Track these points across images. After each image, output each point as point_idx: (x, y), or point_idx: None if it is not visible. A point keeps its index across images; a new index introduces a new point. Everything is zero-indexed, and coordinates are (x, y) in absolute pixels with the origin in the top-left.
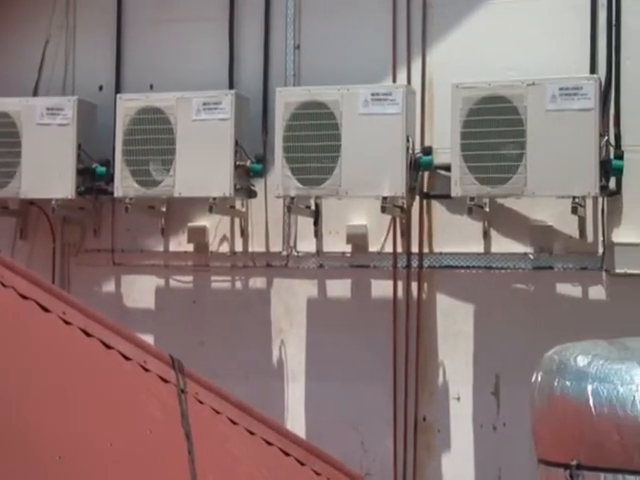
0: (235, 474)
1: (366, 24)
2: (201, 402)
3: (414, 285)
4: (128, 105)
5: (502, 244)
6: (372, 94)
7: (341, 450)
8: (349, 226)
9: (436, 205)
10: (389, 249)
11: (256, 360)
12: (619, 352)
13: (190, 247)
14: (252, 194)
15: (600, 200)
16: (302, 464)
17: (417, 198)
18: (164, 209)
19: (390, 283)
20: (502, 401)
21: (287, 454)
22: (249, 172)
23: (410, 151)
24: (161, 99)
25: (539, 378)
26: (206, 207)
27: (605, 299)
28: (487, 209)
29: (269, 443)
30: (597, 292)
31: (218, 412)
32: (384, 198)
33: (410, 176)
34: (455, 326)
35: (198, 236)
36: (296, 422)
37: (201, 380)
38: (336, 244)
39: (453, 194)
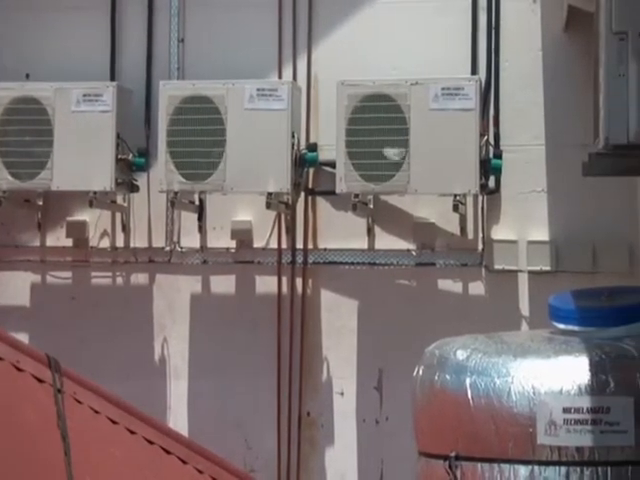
0: (114, 475)
1: (252, 19)
2: (79, 402)
3: (299, 281)
4: (1, 94)
5: (386, 241)
6: (257, 89)
7: (224, 447)
8: (234, 222)
9: (321, 201)
10: (274, 245)
11: (138, 358)
12: (496, 346)
13: (69, 242)
14: (134, 188)
15: (480, 198)
16: (184, 462)
17: (302, 194)
18: (41, 202)
19: (275, 279)
20: (385, 395)
21: (169, 453)
22: (131, 166)
23: (295, 147)
24: (38, 89)
25: (420, 372)
26: (86, 201)
27: (484, 294)
28: (371, 206)
29: (150, 442)
30: (477, 288)
31: (97, 412)
32: (269, 194)
33: (295, 172)
34: (339, 321)
35: (77, 231)
36: (179, 420)
37: (79, 379)
38: (220, 240)
39: (338, 191)
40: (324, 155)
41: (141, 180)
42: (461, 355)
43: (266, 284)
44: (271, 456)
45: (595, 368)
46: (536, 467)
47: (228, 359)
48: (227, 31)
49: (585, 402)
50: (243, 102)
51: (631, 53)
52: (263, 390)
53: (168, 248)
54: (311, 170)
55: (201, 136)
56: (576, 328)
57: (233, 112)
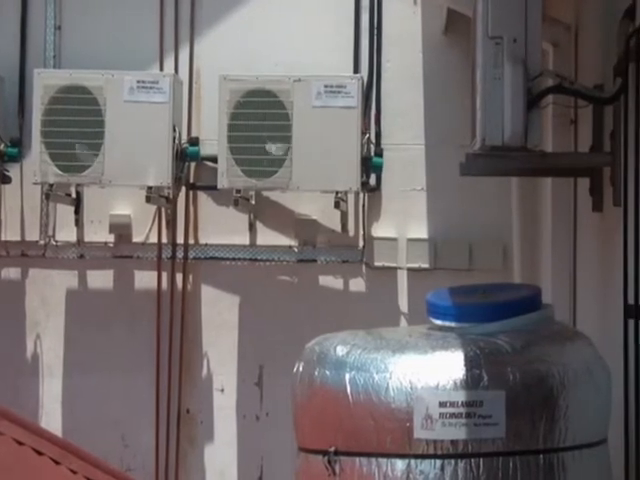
0: None
1: (134, 10)
2: None
3: (179, 276)
4: None
5: (267, 237)
6: (138, 81)
7: (100, 446)
8: (112, 215)
9: (202, 196)
10: (154, 240)
11: (8, 355)
12: (375, 342)
13: None
14: (6, 179)
15: (361, 196)
16: (57, 463)
17: (183, 189)
18: None
19: (154, 274)
20: (265, 391)
21: (40, 453)
22: (3, 156)
23: (176, 141)
24: None
25: (300, 368)
26: None
27: (365, 291)
28: (253, 202)
29: (20, 443)
30: (357, 284)
31: None
32: (149, 188)
33: (176, 166)
34: (220, 317)
35: None
36: (52, 419)
37: None
38: (98, 234)
39: (219, 186)
40: (206, 150)
41: (14, 171)
42: (341, 351)
43: (145, 279)
44: (149, 454)
45: (470, 363)
46: (412, 461)
47: (105, 356)
48: (107, 20)
49: (460, 396)
50: (123, 94)
51: (506, 57)
52: (141, 387)
53: (42, 242)
54: (192, 164)
55: (78, 127)
56: (453, 324)
57: (112, 104)
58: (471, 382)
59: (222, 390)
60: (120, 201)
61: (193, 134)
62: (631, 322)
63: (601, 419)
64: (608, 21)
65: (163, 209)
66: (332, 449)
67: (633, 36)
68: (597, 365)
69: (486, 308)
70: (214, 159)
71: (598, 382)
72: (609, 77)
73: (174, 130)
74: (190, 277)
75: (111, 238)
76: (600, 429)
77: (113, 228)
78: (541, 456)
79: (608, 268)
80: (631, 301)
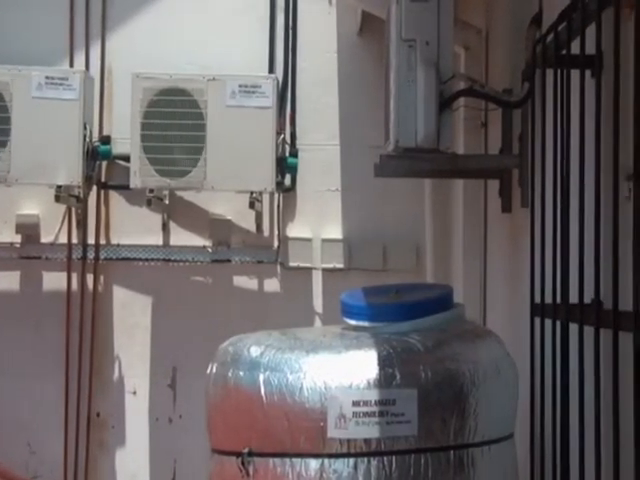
0: None
1: (43, 5)
2: None
3: (90, 277)
4: None
5: (181, 237)
6: (46, 77)
7: (5, 453)
8: (19, 215)
9: (114, 196)
10: (63, 240)
11: None
12: (290, 342)
13: None
14: None
15: (276, 196)
16: None
17: (94, 188)
18: None
19: (64, 275)
20: (179, 393)
21: None
22: None
23: (87, 139)
24: None
25: (214, 369)
26: None
27: (279, 291)
28: (167, 201)
29: None
30: (272, 284)
31: None
32: (58, 187)
33: (87, 165)
34: (132, 319)
35: None
36: None
37: None
38: (4, 234)
39: (132, 185)
40: (118, 148)
41: None
42: (255, 351)
43: (54, 281)
44: (57, 460)
45: (383, 362)
46: (326, 460)
47: (11, 359)
48: (15, 14)
49: (373, 395)
50: (30, 90)
51: (419, 60)
52: (49, 391)
53: None
54: (104, 163)
55: None
56: (366, 324)
57: (19, 99)
58: (384, 381)
59: (134, 393)
60: (28, 200)
61: (105, 132)
62: (537, 320)
63: (508, 415)
64: (517, 27)
65: (73, 209)
66: (246, 450)
67: (539, 43)
68: (505, 363)
69: (399, 308)
70: (126, 158)
71: (506, 379)
72: (518, 81)
73: (85, 128)
74: (101, 278)
75: (18, 239)
76: (507, 425)
77: (20, 228)
78: (452, 452)
79: (516, 268)
80: (537, 300)
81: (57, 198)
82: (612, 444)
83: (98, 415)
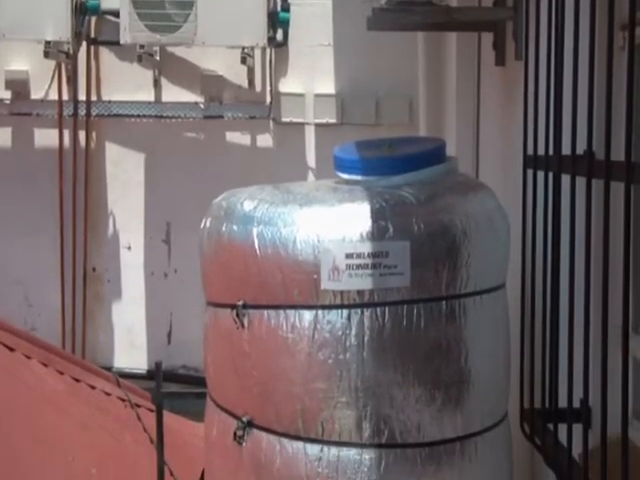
0: None
1: None
2: None
3: (82, 134)
4: None
5: (173, 93)
6: None
7: (4, 306)
8: (8, 71)
9: (105, 52)
10: (54, 97)
11: None
12: (283, 196)
13: None
14: None
15: (268, 51)
16: (45, 365)
17: (84, 44)
18: None
19: (55, 132)
20: (173, 248)
21: (29, 357)
22: None
23: None
24: None
25: (207, 224)
26: None
27: (272, 147)
28: (158, 57)
29: (11, 349)
30: (265, 140)
31: None
32: (47, 42)
33: (76, 20)
34: (125, 175)
35: None
36: None
37: None
38: None
39: (122, 41)
40: (107, 3)
41: None
42: (248, 206)
43: (46, 138)
44: (54, 313)
45: (376, 215)
46: (320, 311)
47: (5, 216)
48: None
49: (366, 247)
50: None
51: None
52: (45, 246)
53: None
54: (93, 19)
55: None
56: (359, 177)
57: None
58: (377, 233)
59: (129, 248)
60: (16, 56)
61: None
62: (530, 172)
63: (500, 266)
64: None
65: (63, 65)
66: (240, 302)
67: None
68: (498, 215)
69: (392, 161)
70: (116, 13)
71: (498, 231)
72: None
73: None
74: (93, 135)
75: (7, 95)
76: (499, 275)
77: (9, 84)
78: (444, 302)
79: (509, 121)
80: (530, 152)
81: (46, 54)
82: (602, 291)
83: (94, 270)
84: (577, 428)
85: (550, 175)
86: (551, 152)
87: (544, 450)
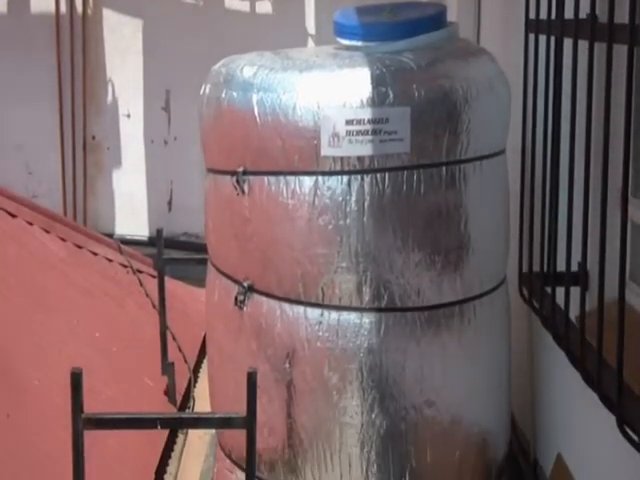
0: None
1: None
2: None
3: (78, 1)
4: None
5: None
6: None
7: (4, 174)
8: None
9: None
10: None
11: None
12: (282, 62)
13: None
14: None
15: None
16: (47, 232)
17: None
18: None
19: None
20: (173, 116)
21: (31, 224)
22: None
23: None
24: None
25: (207, 91)
26: None
27: (272, 13)
28: None
29: (13, 215)
30: (264, 6)
31: None
32: None
33: None
34: (123, 42)
35: None
36: None
37: None
38: None
39: None
40: None
41: None
42: (248, 72)
43: (42, 3)
44: (55, 181)
45: (376, 81)
46: (320, 177)
47: (3, 83)
48: None
49: (366, 114)
50: None
51: None
52: (44, 114)
53: None
54: None
55: None
56: (360, 43)
57: None
58: (377, 99)
59: (128, 115)
60: None
61: None
62: (531, 36)
63: (500, 132)
64: None
65: None
66: (241, 169)
67: None
68: (499, 80)
69: (392, 26)
70: None
71: (499, 97)
72: None
73: None
74: (90, 1)
75: None
76: (499, 141)
77: None
78: (444, 168)
79: None
80: (532, 16)
81: None
82: (602, 155)
83: (93, 138)
84: (574, 291)
85: (552, 39)
86: (553, 16)
87: (541, 312)
